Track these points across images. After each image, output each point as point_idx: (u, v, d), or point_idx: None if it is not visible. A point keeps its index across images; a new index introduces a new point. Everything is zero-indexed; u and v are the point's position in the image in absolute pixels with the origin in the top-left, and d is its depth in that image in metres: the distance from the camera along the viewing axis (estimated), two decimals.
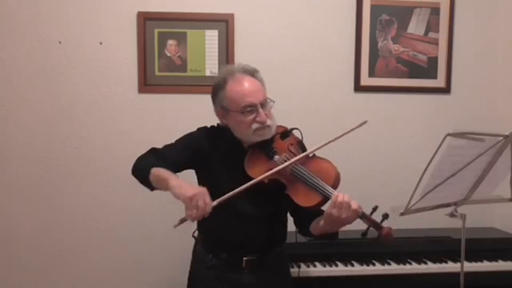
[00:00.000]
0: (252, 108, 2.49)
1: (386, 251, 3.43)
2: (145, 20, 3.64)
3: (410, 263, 3.37)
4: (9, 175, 3.65)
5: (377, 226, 2.34)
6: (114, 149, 3.69)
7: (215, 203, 2.30)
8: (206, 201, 2.25)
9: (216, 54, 3.71)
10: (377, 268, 3.33)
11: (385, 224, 2.34)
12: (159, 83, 3.69)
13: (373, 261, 3.37)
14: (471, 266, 3.31)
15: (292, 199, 2.46)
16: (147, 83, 3.68)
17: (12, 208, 3.66)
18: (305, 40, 3.80)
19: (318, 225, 2.51)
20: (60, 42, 3.62)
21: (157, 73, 3.69)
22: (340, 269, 3.29)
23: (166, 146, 2.62)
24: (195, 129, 2.70)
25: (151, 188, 2.50)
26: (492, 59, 3.98)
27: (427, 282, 3.34)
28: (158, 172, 2.42)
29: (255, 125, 2.50)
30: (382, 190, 3.72)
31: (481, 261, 3.42)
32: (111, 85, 3.67)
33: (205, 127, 2.70)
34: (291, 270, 3.10)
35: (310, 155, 2.55)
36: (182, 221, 2.32)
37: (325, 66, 3.81)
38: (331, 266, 3.31)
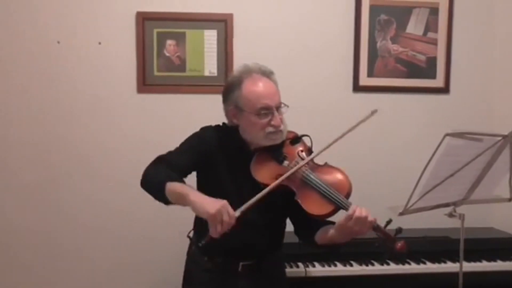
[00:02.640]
0: (267, 111, 2.46)
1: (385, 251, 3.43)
2: (144, 20, 3.64)
3: (409, 263, 3.37)
4: (7, 175, 3.65)
5: (391, 239, 2.32)
6: (113, 149, 3.69)
7: (238, 213, 2.25)
8: (230, 214, 2.20)
9: (215, 54, 3.70)
10: (376, 268, 3.32)
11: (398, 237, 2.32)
12: (158, 83, 3.69)
13: (372, 261, 3.37)
14: (469, 266, 3.30)
15: (301, 206, 2.41)
16: (146, 83, 3.68)
17: (10, 207, 3.66)
18: (304, 40, 3.80)
19: (326, 235, 2.45)
20: (59, 42, 3.62)
21: (156, 73, 3.69)
22: (339, 269, 3.29)
23: (171, 153, 2.54)
24: (196, 129, 2.65)
25: (167, 203, 2.40)
26: (491, 59, 3.98)
27: (426, 282, 3.34)
28: (175, 187, 2.33)
29: (268, 129, 2.46)
30: (381, 190, 3.72)
31: (480, 261, 3.42)
32: (110, 85, 3.67)
33: (210, 127, 2.64)
34: (289, 270, 3.11)
35: (322, 163, 2.52)
36: (209, 238, 2.25)
37: (324, 66, 3.81)
38: (330, 266, 3.31)
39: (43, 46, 3.61)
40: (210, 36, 3.71)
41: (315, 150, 2.57)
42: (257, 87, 2.49)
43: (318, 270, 3.27)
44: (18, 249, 3.69)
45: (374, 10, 3.81)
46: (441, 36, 3.89)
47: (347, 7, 3.81)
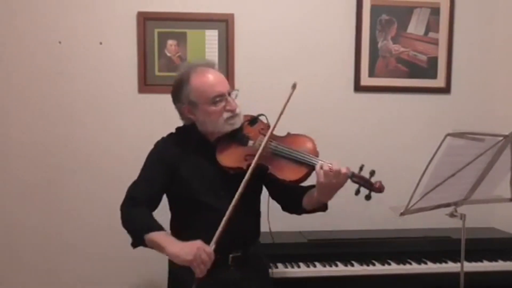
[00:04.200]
0: (221, 97, 2.53)
1: (386, 251, 3.44)
2: (145, 20, 3.64)
3: (410, 263, 3.37)
4: (9, 174, 3.65)
5: (368, 182, 2.38)
6: (113, 149, 3.70)
7: (213, 246, 2.33)
8: (207, 252, 2.29)
9: (216, 54, 3.70)
10: (377, 268, 3.32)
11: (373, 179, 2.38)
12: (159, 83, 3.68)
13: (373, 261, 3.37)
14: (471, 266, 3.30)
15: (276, 177, 2.46)
16: (147, 83, 3.68)
17: (12, 207, 3.66)
18: (305, 40, 3.80)
19: (311, 198, 2.51)
20: (60, 42, 3.62)
21: (157, 73, 3.69)
22: (340, 269, 3.29)
23: (138, 187, 2.62)
24: (154, 144, 2.75)
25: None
26: (492, 59, 3.97)
27: (427, 282, 3.34)
28: (152, 239, 2.44)
29: (226, 114, 2.53)
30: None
31: (481, 261, 3.42)
32: (111, 85, 3.68)
33: (162, 139, 2.73)
34: (292, 270, 3.11)
35: (284, 133, 2.60)
36: (198, 281, 2.34)
37: (325, 66, 3.81)
38: (331, 266, 3.30)
39: (44, 46, 3.61)
40: (211, 36, 3.71)
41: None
42: (206, 78, 2.56)
43: (319, 270, 3.27)
44: (19, 248, 3.69)
45: (375, 10, 3.81)
46: (442, 36, 3.89)
47: (348, 7, 3.81)
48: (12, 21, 3.59)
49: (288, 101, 2.52)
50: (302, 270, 3.23)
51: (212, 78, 2.55)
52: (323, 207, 2.59)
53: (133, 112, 3.70)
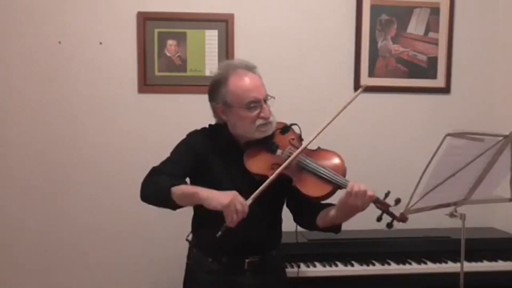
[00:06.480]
0: (256, 103, 2.49)
1: (386, 251, 3.44)
2: (145, 20, 3.64)
3: (410, 263, 3.37)
4: (8, 175, 3.65)
5: (391, 210, 2.36)
6: (113, 149, 3.69)
7: (250, 201, 2.31)
8: (242, 203, 2.27)
9: (216, 54, 3.70)
10: (377, 268, 3.33)
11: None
12: (158, 83, 3.69)
13: (373, 261, 3.37)
14: (471, 266, 3.31)
15: (300, 191, 2.44)
16: (147, 83, 3.68)
17: (11, 208, 3.66)
18: (305, 40, 3.80)
19: (327, 217, 2.49)
20: (60, 42, 3.62)
21: (156, 73, 3.69)
22: (340, 269, 3.29)
23: (164, 164, 2.56)
24: (196, 129, 2.70)
25: (174, 208, 2.44)
26: (492, 59, 3.97)
27: (427, 282, 3.34)
28: (181, 189, 2.39)
29: (259, 121, 2.50)
30: (382, 190, 3.71)
31: (481, 261, 3.42)
32: (110, 85, 3.68)
33: (197, 130, 2.68)
34: (291, 270, 3.11)
35: (315, 147, 2.57)
36: (225, 227, 2.29)
37: (325, 66, 3.81)
38: (331, 266, 3.31)
39: (44, 46, 3.61)
40: (211, 36, 3.71)
41: (304, 137, 2.61)
42: (244, 82, 2.52)
43: (319, 270, 3.28)
44: (19, 248, 3.69)
45: (375, 10, 3.81)
46: (442, 36, 3.89)
47: (348, 7, 3.81)
48: (12, 21, 3.59)
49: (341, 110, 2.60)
50: (302, 270, 3.22)
51: (250, 83, 2.52)
52: (336, 229, 2.58)
53: (133, 112, 3.70)
